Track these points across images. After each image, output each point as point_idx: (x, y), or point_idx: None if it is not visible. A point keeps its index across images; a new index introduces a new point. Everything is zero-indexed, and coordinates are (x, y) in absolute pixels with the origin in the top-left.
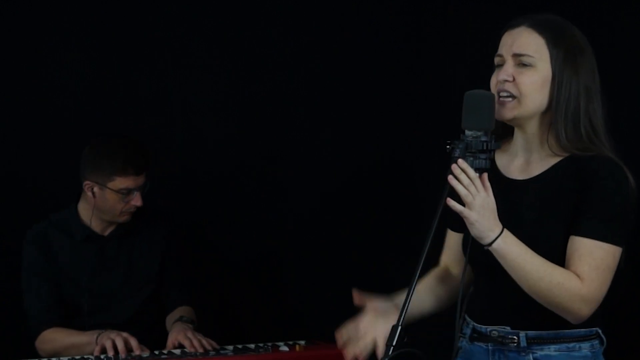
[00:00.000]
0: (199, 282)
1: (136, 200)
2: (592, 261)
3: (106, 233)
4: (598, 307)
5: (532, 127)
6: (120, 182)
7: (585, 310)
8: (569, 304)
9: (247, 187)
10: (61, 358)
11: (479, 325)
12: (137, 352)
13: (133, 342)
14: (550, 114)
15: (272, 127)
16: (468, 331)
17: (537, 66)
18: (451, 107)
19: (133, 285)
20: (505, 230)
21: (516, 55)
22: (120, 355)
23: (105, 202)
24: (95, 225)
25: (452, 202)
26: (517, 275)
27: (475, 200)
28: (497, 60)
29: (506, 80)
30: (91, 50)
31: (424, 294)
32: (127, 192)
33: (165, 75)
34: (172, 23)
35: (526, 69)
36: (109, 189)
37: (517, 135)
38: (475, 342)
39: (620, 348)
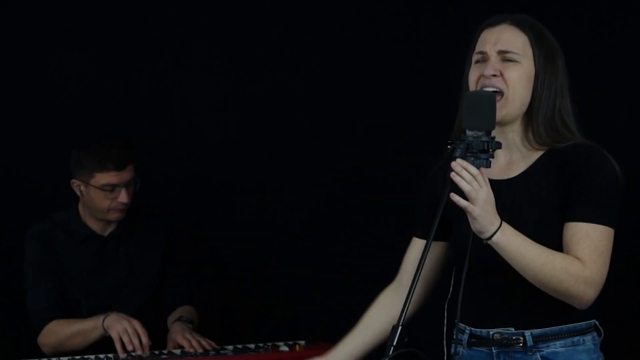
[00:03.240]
0: (198, 283)
1: (122, 197)
2: (591, 243)
3: (106, 233)
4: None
5: (514, 126)
6: (101, 178)
7: (590, 293)
8: (574, 288)
9: (247, 187)
10: (61, 358)
11: (477, 330)
12: (138, 351)
13: (144, 339)
14: (529, 112)
15: (272, 127)
16: (465, 337)
17: (522, 63)
18: (451, 107)
19: (133, 285)
20: (503, 222)
21: (502, 52)
22: (120, 356)
23: (91, 199)
24: (93, 225)
25: (456, 198)
26: (520, 265)
27: (479, 195)
28: (477, 57)
29: (493, 75)
30: (91, 50)
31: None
32: (111, 189)
33: (165, 75)
34: (172, 23)
35: (512, 65)
36: (92, 186)
37: (497, 137)
38: (475, 347)
39: (620, 345)
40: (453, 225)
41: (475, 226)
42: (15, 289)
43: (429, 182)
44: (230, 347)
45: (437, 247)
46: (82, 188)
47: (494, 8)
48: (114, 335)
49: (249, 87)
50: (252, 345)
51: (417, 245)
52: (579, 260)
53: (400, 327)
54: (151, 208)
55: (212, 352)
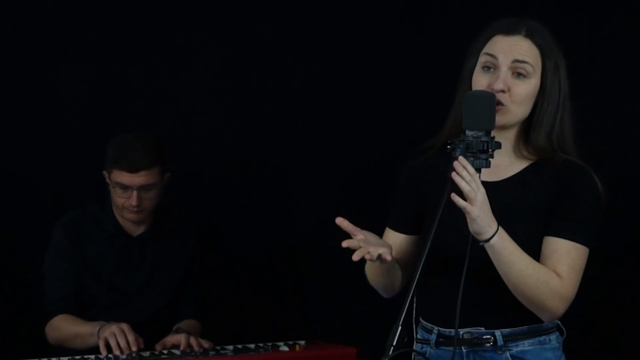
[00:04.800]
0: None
1: (132, 200)
2: (570, 261)
3: (136, 234)
4: None
5: (511, 132)
6: (116, 176)
7: (561, 309)
8: (549, 302)
9: (247, 187)
10: (61, 358)
11: (446, 330)
12: (133, 347)
13: (130, 336)
14: (526, 121)
15: (272, 127)
16: (432, 337)
17: (532, 77)
18: (451, 107)
19: (153, 288)
20: (500, 227)
21: (515, 67)
22: (120, 356)
23: (111, 193)
24: (124, 222)
25: (456, 198)
26: (507, 271)
27: (477, 197)
28: (487, 59)
29: (501, 91)
30: (91, 50)
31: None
32: (123, 188)
33: (165, 75)
34: (172, 23)
35: (521, 80)
36: (112, 180)
37: None
38: (443, 347)
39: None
40: (427, 222)
41: (473, 227)
42: (16, 289)
43: (414, 175)
44: (230, 347)
45: (412, 240)
46: (108, 180)
47: (494, 8)
48: (101, 339)
49: (249, 87)
50: (252, 345)
51: (390, 238)
52: (557, 275)
53: (400, 327)
54: (186, 217)
55: (212, 352)
